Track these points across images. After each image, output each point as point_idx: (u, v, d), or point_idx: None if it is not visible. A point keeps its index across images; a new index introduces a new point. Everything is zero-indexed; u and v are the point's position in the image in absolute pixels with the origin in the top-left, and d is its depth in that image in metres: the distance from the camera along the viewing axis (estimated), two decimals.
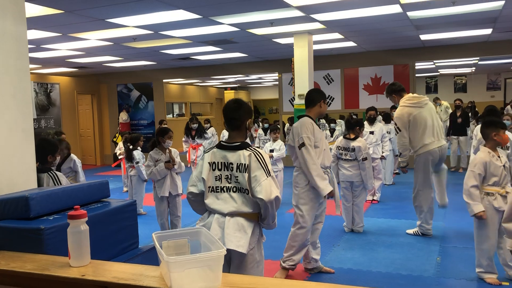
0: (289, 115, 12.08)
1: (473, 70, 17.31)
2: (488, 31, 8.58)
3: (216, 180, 2.67)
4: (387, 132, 7.86)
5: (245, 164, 2.60)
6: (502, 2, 6.33)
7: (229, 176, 2.64)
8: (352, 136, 5.74)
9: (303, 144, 3.97)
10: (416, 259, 4.64)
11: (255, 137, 10.73)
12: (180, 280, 1.53)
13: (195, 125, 9.48)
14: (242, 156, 2.62)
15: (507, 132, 4.90)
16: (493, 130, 3.90)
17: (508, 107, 14.45)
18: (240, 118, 2.73)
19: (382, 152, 7.56)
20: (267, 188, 2.55)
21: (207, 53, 10.33)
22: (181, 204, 5.35)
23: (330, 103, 11.56)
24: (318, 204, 4.15)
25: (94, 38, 7.92)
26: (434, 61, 12.50)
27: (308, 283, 1.57)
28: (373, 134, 7.48)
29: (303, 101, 8.14)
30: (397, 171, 9.58)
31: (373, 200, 7.41)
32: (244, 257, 2.62)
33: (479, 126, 7.16)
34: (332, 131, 10.39)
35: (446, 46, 10.37)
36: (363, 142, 5.76)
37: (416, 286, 3.97)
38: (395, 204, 7.24)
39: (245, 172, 2.60)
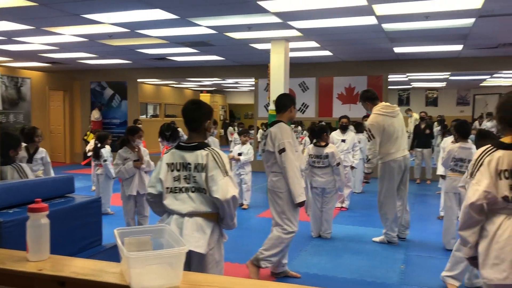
0: (263, 120, 12.12)
1: (444, 85, 17.77)
2: (459, 47, 8.83)
3: (174, 181, 2.66)
4: (358, 142, 7.98)
5: (202, 163, 2.61)
6: (473, 20, 6.53)
7: (188, 177, 2.64)
8: (323, 143, 5.80)
9: (283, 150, 3.97)
10: (381, 266, 4.71)
11: (231, 140, 10.73)
12: (140, 276, 1.51)
13: (168, 133, 9.50)
14: (200, 156, 2.63)
15: (473, 146, 5.05)
16: (489, 142, 3.92)
17: (476, 122, 14.89)
18: (198, 119, 2.73)
19: (352, 162, 7.65)
20: (224, 187, 2.55)
21: (184, 55, 10.29)
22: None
23: (305, 111, 11.66)
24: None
25: (68, 33, 7.78)
26: (407, 74, 12.77)
27: (269, 282, 1.57)
28: (344, 142, 7.58)
29: None
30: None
31: (342, 207, 7.49)
32: (204, 257, 2.62)
33: (447, 138, 7.35)
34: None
35: (419, 59, 10.61)
36: (334, 148, 5.84)
37: None
38: (363, 212, 7.34)
39: (203, 172, 2.60)
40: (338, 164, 5.69)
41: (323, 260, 4.92)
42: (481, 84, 16.86)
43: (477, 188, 2.35)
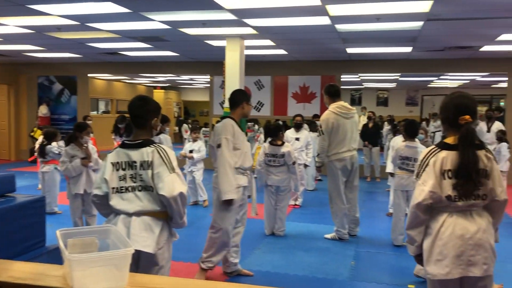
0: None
1: (395, 86, 18.34)
2: (409, 49, 9.13)
3: (120, 180, 2.59)
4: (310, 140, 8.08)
5: (148, 161, 2.55)
6: (421, 23, 6.77)
7: (134, 175, 2.57)
8: (279, 142, 5.82)
9: (219, 145, 3.92)
10: (332, 263, 4.80)
11: (185, 138, 10.60)
12: (83, 279, 1.46)
13: (122, 125, 9.29)
14: (145, 153, 2.57)
15: (419, 145, 5.24)
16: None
17: (424, 122, 15.47)
18: (145, 115, 2.67)
19: (306, 160, 7.75)
20: (170, 184, 2.50)
21: (137, 49, 10.05)
22: None
23: (260, 109, 11.70)
24: (238, 206, 4.14)
25: (13, 24, 7.40)
26: (359, 74, 13.09)
27: (218, 283, 1.55)
28: (298, 140, 7.66)
29: None
30: (319, 177, 9.89)
31: (295, 204, 7.58)
32: (152, 257, 2.56)
33: (396, 137, 7.58)
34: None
35: (370, 60, 10.89)
36: (290, 147, 5.88)
37: None
38: (315, 209, 7.46)
39: (149, 169, 2.55)
40: (294, 163, 5.74)
41: (276, 257, 4.95)
42: (429, 85, 17.54)
43: (423, 189, 2.42)
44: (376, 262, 4.88)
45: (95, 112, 16.49)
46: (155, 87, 20.78)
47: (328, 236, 5.71)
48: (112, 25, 7.39)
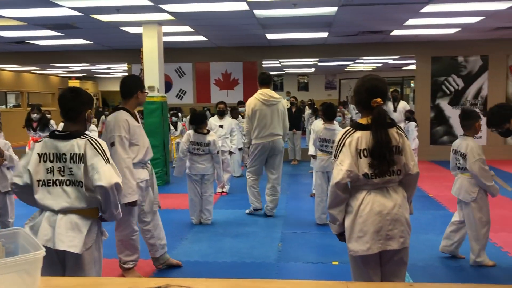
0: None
1: (314, 71, 18.89)
2: (325, 34, 9.41)
3: (47, 173, 2.44)
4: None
5: (79, 154, 2.42)
6: (335, 9, 6.98)
7: (62, 168, 2.43)
8: (205, 130, 5.74)
9: (113, 144, 3.60)
10: (260, 247, 4.87)
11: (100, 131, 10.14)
12: None
13: (36, 116, 8.62)
14: (76, 145, 2.43)
15: (337, 127, 5.45)
16: (476, 121, 4.14)
17: (341, 107, 16.10)
18: (77, 108, 2.54)
19: (230, 147, 7.76)
20: (107, 174, 2.41)
21: (46, 38, 9.42)
22: (13, 203, 4.75)
23: (183, 97, 11.52)
24: (142, 201, 3.90)
25: None
26: (280, 60, 13.30)
27: (139, 279, 1.50)
28: (222, 127, 7.65)
29: (154, 93, 7.99)
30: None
31: (223, 192, 7.58)
32: (80, 257, 2.44)
33: (317, 121, 7.81)
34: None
35: (289, 46, 11.09)
36: (215, 136, 5.84)
37: (258, 273, 4.16)
38: (242, 195, 7.47)
39: (81, 163, 2.42)
40: (218, 152, 5.73)
41: (203, 246, 4.93)
42: (345, 70, 18.27)
43: (340, 168, 2.51)
44: (302, 242, 5.02)
45: (3, 107, 15.34)
46: (69, 78, 19.69)
47: (247, 211, 6.22)
48: (17, 11, 6.86)
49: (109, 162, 2.47)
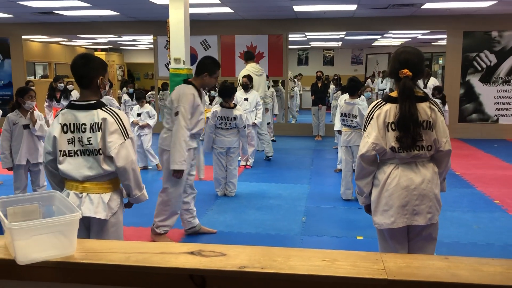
0: (165, 80, 11.73)
1: (340, 45, 18.53)
2: (354, 6, 9.17)
3: (69, 144, 2.46)
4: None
5: (99, 123, 2.42)
6: None
7: (81, 138, 2.44)
8: (232, 105, 5.73)
9: (177, 113, 3.84)
10: (284, 220, 4.90)
11: (122, 102, 10.23)
12: (26, 248, 1.38)
13: (62, 85, 8.77)
14: (96, 116, 2.44)
15: (358, 102, 5.31)
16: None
17: (369, 80, 15.84)
18: (89, 74, 2.50)
19: (255, 120, 7.74)
20: (125, 153, 2.43)
21: (73, 8, 9.45)
22: (44, 174, 4.88)
23: None
24: (190, 166, 4.10)
25: None
26: (306, 34, 13.07)
27: (172, 244, 1.52)
28: (247, 100, 7.62)
29: (179, 66, 7.98)
30: (273, 138, 9.93)
31: (247, 165, 7.61)
32: (105, 223, 2.50)
33: (342, 96, 7.70)
34: (212, 98, 10.29)
35: (316, 19, 10.87)
36: (241, 110, 5.84)
37: (283, 244, 4.19)
38: (266, 169, 7.54)
39: (99, 131, 2.42)
40: (245, 126, 5.74)
41: (228, 217, 4.99)
42: (373, 44, 17.85)
43: (367, 141, 2.48)
44: (326, 217, 5.03)
45: (32, 77, 15.60)
46: (96, 49, 19.83)
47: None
48: None
49: (128, 137, 2.47)
